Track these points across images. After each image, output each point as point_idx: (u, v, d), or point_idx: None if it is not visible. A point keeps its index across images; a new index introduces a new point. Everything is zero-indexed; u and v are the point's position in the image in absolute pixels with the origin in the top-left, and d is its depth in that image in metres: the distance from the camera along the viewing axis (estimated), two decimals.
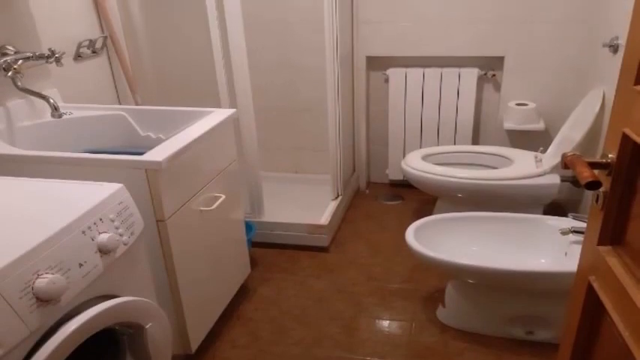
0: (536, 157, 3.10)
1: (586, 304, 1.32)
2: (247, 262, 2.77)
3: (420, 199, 3.76)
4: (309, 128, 3.83)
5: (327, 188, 3.52)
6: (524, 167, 3.01)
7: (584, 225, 1.52)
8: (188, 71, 3.59)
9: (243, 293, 2.79)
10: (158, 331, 1.66)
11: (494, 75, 3.48)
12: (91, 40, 2.83)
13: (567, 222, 2.41)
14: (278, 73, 3.68)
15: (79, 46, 2.76)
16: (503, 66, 3.41)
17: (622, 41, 2.65)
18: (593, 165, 1.18)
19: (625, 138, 1.11)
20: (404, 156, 3.59)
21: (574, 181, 2.95)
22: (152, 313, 1.63)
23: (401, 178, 3.74)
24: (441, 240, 2.47)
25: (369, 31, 3.51)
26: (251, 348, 2.46)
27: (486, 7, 3.26)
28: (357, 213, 3.66)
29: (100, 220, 1.46)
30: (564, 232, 2.29)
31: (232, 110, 2.41)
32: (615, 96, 1.17)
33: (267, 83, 3.71)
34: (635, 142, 1.08)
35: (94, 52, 2.88)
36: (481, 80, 3.53)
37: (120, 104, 3.07)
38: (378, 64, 3.65)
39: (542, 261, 2.42)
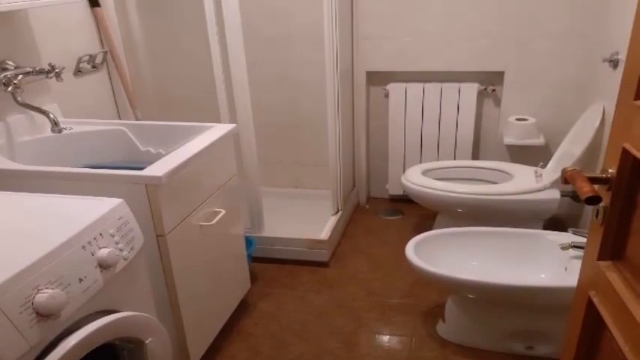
0: (536, 172, 3.11)
1: (586, 319, 1.32)
2: (247, 277, 2.77)
3: (420, 214, 3.76)
4: (309, 143, 3.84)
5: (327, 203, 3.52)
6: (524, 182, 3.01)
7: (584, 240, 1.52)
8: (188, 86, 3.60)
9: (243, 308, 2.79)
10: (158, 346, 1.66)
11: (494, 90, 3.49)
12: (91, 55, 2.84)
13: (567, 237, 2.41)
14: (278, 88, 3.69)
15: (79, 61, 2.76)
16: (503, 81, 3.42)
17: (622, 56, 2.66)
18: (593, 180, 1.18)
19: (625, 153, 1.11)
20: (404, 171, 3.59)
21: (574, 196, 2.95)
22: (152, 328, 1.63)
23: (401, 193, 3.74)
24: (441, 255, 2.46)
25: (369, 46, 3.52)
26: None
27: (486, 23, 3.27)
28: (357, 228, 3.66)
29: (100, 235, 1.46)
30: (564, 247, 2.29)
31: (232, 125, 2.42)
32: (615, 111, 1.17)
33: (268, 98, 3.72)
34: (635, 157, 1.08)
35: (94, 67, 2.89)
36: (481, 95, 3.53)
37: (120, 119, 3.08)
38: (378, 79, 3.66)
39: (542, 276, 2.42)
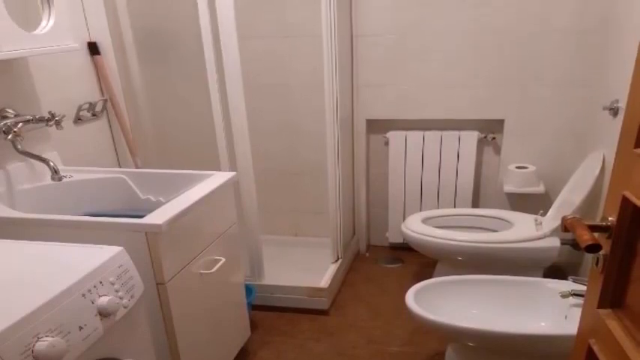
0: (536, 220, 3.11)
1: None
2: (247, 325, 2.75)
3: (420, 262, 3.75)
4: (309, 191, 3.85)
5: (327, 251, 3.51)
6: (524, 230, 3.01)
7: (584, 288, 1.52)
8: (188, 134, 3.62)
9: (242, 356, 2.76)
10: None
11: (494, 138, 3.51)
12: (91, 103, 2.86)
13: (567, 285, 2.40)
14: (278, 135, 3.72)
15: (79, 109, 2.78)
16: (503, 129, 3.44)
17: (622, 104, 2.68)
18: (593, 228, 1.18)
19: (625, 201, 1.12)
20: (404, 219, 3.60)
21: (574, 244, 2.94)
22: None
23: (401, 241, 3.73)
24: (441, 303, 2.45)
25: (369, 94, 3.55)
26: None
27: (486, 71, 3.31)
28: (357, 276, 3.64)
29: (100, 283, 1.46)
30: (564, 295, 2.28)
31: (232, 173, 2.43)
32: (615, 159, 1.18)
33: (267, 145, 3.75)
34: (635, 205, 1.09)
35: (94, 115, 2.90)
36: (481, 143, 3.55)
37: (120, 167, 3.09)
38: (378, 127, 3.69)
39: (543, 324, 2.40)
